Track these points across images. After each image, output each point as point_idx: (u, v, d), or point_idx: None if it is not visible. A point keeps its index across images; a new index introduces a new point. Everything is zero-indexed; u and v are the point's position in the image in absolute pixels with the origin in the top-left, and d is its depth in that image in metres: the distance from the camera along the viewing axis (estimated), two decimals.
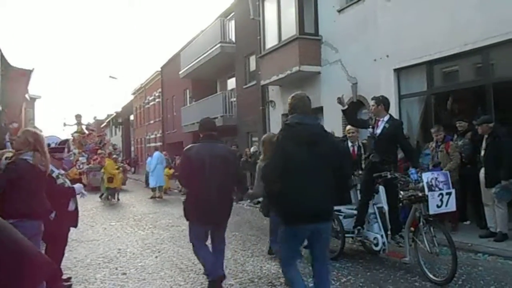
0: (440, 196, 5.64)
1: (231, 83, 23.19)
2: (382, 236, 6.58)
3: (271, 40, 15.87)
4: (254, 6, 17.39)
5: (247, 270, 6.56)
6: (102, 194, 18.24)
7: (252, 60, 19.65)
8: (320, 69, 14.12)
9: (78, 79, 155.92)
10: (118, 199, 17.73)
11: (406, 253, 6.16)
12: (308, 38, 14.12)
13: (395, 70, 11.18)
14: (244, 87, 20.41)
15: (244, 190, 5.98)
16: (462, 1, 9.35)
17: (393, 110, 10.64)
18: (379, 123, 6.73)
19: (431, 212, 5.64)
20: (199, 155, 5.34)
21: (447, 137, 8.76)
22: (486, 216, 7.96)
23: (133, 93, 44.85)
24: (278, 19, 15.32)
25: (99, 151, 24.11)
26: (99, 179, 19.87)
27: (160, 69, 34.88)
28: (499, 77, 9.04)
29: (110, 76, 41.12)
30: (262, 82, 16.73)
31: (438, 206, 5.62)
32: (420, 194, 5.80)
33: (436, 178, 5.76)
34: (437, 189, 5.68)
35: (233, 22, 21.82)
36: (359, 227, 6.90)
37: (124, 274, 6.66)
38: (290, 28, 14.45)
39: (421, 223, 5.86)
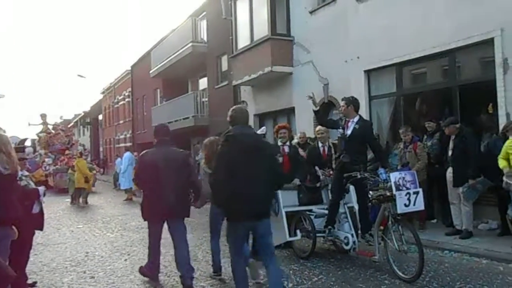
0: (408, 196, 5.75)
1: (203, 83, 23.10)
2: (352, 235, 6.64)
3: (243, 40, 15.86)
4: (226, 6, 17.36)
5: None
6: (74, 199, 17.10)
7: (224, 60, 19.61)
8: (292, 70, 14.19)
9: (44, 78, 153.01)
10: (87, 202, 17.05)
11: (375, 251, 6.24)
12: (280, 39, 14.18)
13: (365, 71, 11.33)
14: (216, 87, 20.35)
15: (198, 197, 6.23)
16: (430, 6, 9.56)
17: (363, 111, 10.80)
18: (349, 123, 6.78)
19: (399, 211, 5.75)
20: (153, 160, 5.83)
21: (415, 137, 8.93)
22: (452, 214, 8.16)
23: (102, 92, 44.19)
24: (250, 19, 15.33)
25: (67, 152, 23.53)
26: (66, 181, 19.06)
27: (130, 68, 34.47)
28: (465, 79, 9.27)
29: (78, 75, 40.27)
30: (234, 82, 16.72)
31: (406, 205, 5.73)
32: (388, 194, 5.90)
33: (404, 178, 5.86)
34: (404, 188, 5.78)
35: (204, 21, 21.73)
36: (330, 227, 6.95)
37: (92, 277, 6.54)
38: (262, 29, 14.48)
39: (390, 222, 5.95)
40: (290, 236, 7.18)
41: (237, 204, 4.51)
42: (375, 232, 6.32)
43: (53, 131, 26.30)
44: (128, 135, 34.96)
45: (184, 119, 21.94)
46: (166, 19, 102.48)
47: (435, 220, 9.02)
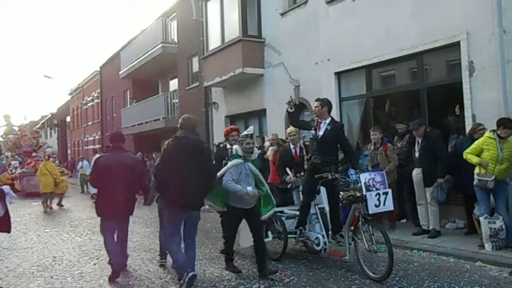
0: (378, 196, 5.86)
1: (173, 84, 22.95)
2: (323, 236, 6.71)
3: (214, 42, 15.83)
4: (197, 7, 17.30)
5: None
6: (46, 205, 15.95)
7: (195, 61, 19.51)
8: (263, 72, 14.23)
9: (8, 78, 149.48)
10: (62, 205, 16.60)
11: (346, 252, 6.30)
12: (252, 41, 14.21)
13: (335, 73, 11.44)
14: (187, 88, 20.25)
15: (146, 198, 6.91)
16: (397, 10, 9.73)
17: (334, 113, 10.87)
18: (321, 125, 6.84)
19: (370, 211, 5.85)
20: (106, 163, 6.57)
21: (385, 139, 9.04)
22: (419, 214, 8.31)
23: (70, 94, 43.43)
24: (221, 20, 15.31)
25: (34, 154, 22.86)
26: (34, 185, 18.57)
27: (99, 69, 34.00)
28: (433, 82, 9.46)
29: (45, 75, 39.55)
30: (205, 84, 16.67)
31: (376, 206, 5.85)
32: (358, 194, 5.97)
33: (374, 179, 5.98)
34: (374, 189, 5.90)
35: (175, 22, 21.59)
36: (301, 228, 6.97)
37: (60, 283, 6.41)
38: (234, 30, 14.49)
39: (360, 222, 5.99)
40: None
41: (176, 194, 5.52)
42: (345, 233, 6.37)
43: (19, 133, 25.56)
44: (97, 137, 34.46)
45: (154, 120, 21.77)
46: (135, 20, 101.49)
47: (405, 220, 9.17)
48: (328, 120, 6.87)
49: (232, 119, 16.54)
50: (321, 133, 6.81)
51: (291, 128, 8.10)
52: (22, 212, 15.12)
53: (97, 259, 7.82)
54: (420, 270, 6.27)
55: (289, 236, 7.12)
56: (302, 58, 12.45)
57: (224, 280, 6.07)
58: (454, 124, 9.25)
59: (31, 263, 7.67)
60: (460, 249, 6.98)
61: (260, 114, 14.70)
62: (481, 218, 6.98)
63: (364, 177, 5.96)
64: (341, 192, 6.37)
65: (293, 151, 8.15)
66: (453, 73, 9.05)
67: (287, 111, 7.18)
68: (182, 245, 6.00)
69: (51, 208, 15.65)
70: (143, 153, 19.78)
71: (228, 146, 7.53)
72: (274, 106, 13.59)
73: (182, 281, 5.55)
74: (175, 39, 21.55)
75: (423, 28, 9.13)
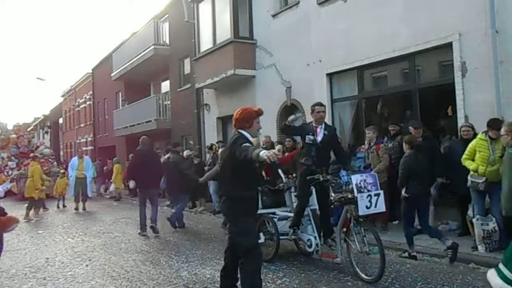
0: (369, 198, 5.82)
1: (165, 86, 22.89)
2: (315, 237, 6.70)
3: (206, 43, 15.80)
4: (188, 9, 17.27)
5: (182, 276, 6.46)
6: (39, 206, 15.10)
7: (187, 63, 19.47)
8: (255, 73, 14.20)
9: (0, 80, 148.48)
10: (65, 206, 16.60)
11: (338, 253, 6.29)
12: (243, 42, 14.18)
13: (327, 74, 11.44)
14: (179, 90, 20.19)
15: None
16: (389, 11, 9.73)
17: (326, 114, 10.87)
18: (318, 130, 6.87)
19: (360, 213, 5.81)
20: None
21: (379, 139, 9.04)
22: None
23: (63, 96, 43.27)
24: (213, 22, 15.28)
25: (31, 155, 22.21)
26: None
27: (91, 71, 33.88)
28: (425, 83, 9.46)
29: (38, 78, 39.28)
30: (197, 85, 16.62)
31: (367, 207, 5.81)
32: (350, 196, 5.94)
33: (365, 180, 5.93)
34: (365, 190, 5.85)
35: (167, 24, 21.55)
36: (295, 228, 6.94)
37: (53, 284, 6.38)
38: (225, 32, 14.45)
39: (352, 224, 5.97)
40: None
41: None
42: (337, 234, 6.34)
43: (14, 135, 25.00)
44: (89, 139, 34.32)
45: (146, 122, 21.69)
46: (128, 22, 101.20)
47: (397, 222, 9.15)
48: (323, 125, 6.92)
49: (223, 120, 16.50)
50: (319, 138, 6.82)
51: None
52: (15, 213, 14.84)
53: (89, 260, 7.79)
54: (413, 272, 6.24)
55: (281, 237, 7.10)
56: (294, 59, 12.44)
57: (216, 282, 6.02)
58: (446, 125, 9.27)
59: (23, 265, 7.64)
60: None
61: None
62: (474, 220, 6.98)
63: (355, 178, 5.92)
64: (332, 194, 6.29)
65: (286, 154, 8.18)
66: (445, 74, 9.06)
67: (284, 124, 7.04)
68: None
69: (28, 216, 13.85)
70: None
71: (250, 137, 5.05)
72: (266, 107, 13.49)
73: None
74: (167, 41, 21.51)
75: (415, 29, 9.13)
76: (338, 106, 11.50)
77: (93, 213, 15.05)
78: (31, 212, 14.07)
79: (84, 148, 34.66)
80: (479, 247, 6.86)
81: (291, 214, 7.27)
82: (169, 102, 21.26)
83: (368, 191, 5.86)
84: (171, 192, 11.81)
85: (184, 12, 17.58)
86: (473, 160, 6.98)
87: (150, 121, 21.33)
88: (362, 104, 10.90)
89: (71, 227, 11.90)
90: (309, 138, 6.86)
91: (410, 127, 8.26)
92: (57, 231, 11.22)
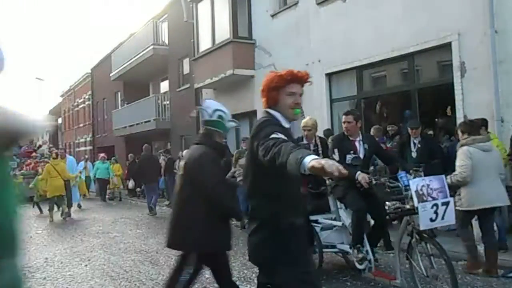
0: (435, 208, 4.56)
1: (164, 86, 22.92)
2: (367, 252, 5.47)
3: (205, 43, 15.79)
4: (187, 9, 17.25)
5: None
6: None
7: (186, 63, 19.48)
8: (254, 73, 14.20)
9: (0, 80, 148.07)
10: (79, 206, 16.00)
11: (397, 274, 5.15)
12: (242, 42, 14.18)
13: (326, 74, 11.44)
14: (178, 90, 20.20)
15: None
16: (388, 11, 9.74)
17: (325, 114, 10.92)
18: (356, 143, 5.70)
19: (422, 227, 4.59)
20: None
21: (380, 139, 9.04)
22: None
23: (62, 96, 43.26)
24: (212, 22, 15.27)
25: (33, 155, 21.51)
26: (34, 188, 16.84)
27: (90, 71, 33.86)
28: (424, 83, 9.47)
29: (37, 78, 39.32)
30: (196, 85, 16.60)
31: (432, 220, 4.57)
32: (408, 206, 4.74)
33: (429, 186, 4.64)
34: (430, 198, 4.59)
35: (166, 24, 21.55)
36: (358, 245, 5.52)
37: (52, 284, 6.37)
38: (224, 32, 14.45)
39: (414, 239, 4.82)
40: None
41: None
42: (396, 251, 5.26)
43: None
44: (88, 139, 34.31)
45: (145, 122, 21.69)
46: (127, 22, 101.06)
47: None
48: (360, 137, 5.77)
49: None
50: (361, 155, 5.63)
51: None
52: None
53: (88, 260, 7.79)
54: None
55: (324, 250, 6.01)
56: (293, 59, 12.41)
57: (214, 282, 5.98)
58: (446, 125, 9.27)
59: (22, 264, 7.58)
60: (452, 251, 6.92)
61: (251, 116, 14.66)
62: (472, 220, 6.98)
63: (415, 184, 4.61)
64: (387, 203, 4.99)
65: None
66: (444, 74, 9.06)
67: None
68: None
69: (65, 214, 13.41)
70: (135, 155, 19.66)
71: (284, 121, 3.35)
72: None
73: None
74: (166, 41, 21.53)
75: (414, 28, 9.13)
76: (337, 106, 11.50)
77: (92, 213, 15.04)
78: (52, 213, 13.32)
79: (83, 148, 34.76)
80: (478, 247, 6.85)
81: (337, 223, 6.14)
82: (168, 102, 21.28)
83: (433, 199, 4.56)
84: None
85: (183, 12, 17.57)
86: None
87: (149, 121, 21.34)
88: (361, 104, 10.90)
89: (69, 227, 11.91)
90: (349, 158, 5.57)
91: (408, 128, 8.29)
92: (56, 231, 11.22)
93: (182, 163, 4.25)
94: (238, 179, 9.36)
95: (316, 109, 11.03)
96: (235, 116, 15.58)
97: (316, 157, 2.34)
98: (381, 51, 9.82)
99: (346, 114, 5.81)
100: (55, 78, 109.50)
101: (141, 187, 18.66)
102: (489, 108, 7.79)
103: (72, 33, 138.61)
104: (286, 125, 3.12)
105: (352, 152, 5.58)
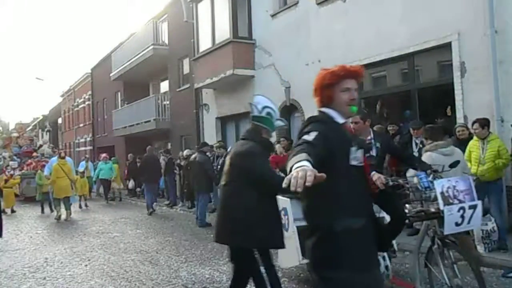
0: (461, 211, 4.18)
1: (164, 86, 22.89)
2: (383, 258, 5.16)
3: (205, 43, 15.79)
4: (187, 9, 17.25)
5: (181, 276, 6.46)
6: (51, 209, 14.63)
7: (186, 63, 19.45)
8: (254, 73, 14.20)
9: (0, 80, 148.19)
10: (87, 206, 16.21)
11: (416, 283, 4.79)
12: (242, 42, 14.18)
13: None
14: (178, 90, 20.18)
15: None
16: (388, 11, 9.75)
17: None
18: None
19: (447, 231, 4.22)
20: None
21: None
22: None
23: (62, 96, 43.24)
24: (212, 22, 15.27)
25: (34, 154, 21.52)
26: (34, 188, 17.21)
27: (90, 71, 33.84)
28: (424, 83, 9.47)
29: (37, 78, 39.32)
30: (196, 85, 16.61)
31: (457, 224, 4.19)
32: (433, 210, 4.34)
33: (455, 187, 4.29)
34: (456, 201, 4.22)
35: (166, 24, 21.53)
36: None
37: (52, 284, 6.38)
38: (224, 32, 14.45)
39: (436, 245, 4.44)
40: (304, 257, 5.42)
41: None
42: (415, 257, 4.90)
43: (16, 133, 24.58)
44: (88, 139, 34.29)
45: (145, 122, 21.67)
46: (127, 22, 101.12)
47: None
48: (372, 135, 5.54)
49: (222, 120, 16.52)
50: (374, 154, 5.39)
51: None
52: (14, 214, 14.99)
53: (88, 260, 7.80)
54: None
55: None
56: (293, 59, 12.43)
57: (215, 282, 6.03)
58: (446, 125, 9.26)
59: (22, 264, 7.65)
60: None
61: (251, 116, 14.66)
62: None
63: (441, 185, 4.26)
64: (407, 205, 4.60)
65: None
66: (444, 74, 9.07)
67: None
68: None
69: (59, 218, 13.09)
70: (135, 155, 19.68)
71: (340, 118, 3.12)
72: None
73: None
74: (166, 41, 21.50)
75: (414, 28, 9.13)
76: None
77: (92, 213, 15.03)
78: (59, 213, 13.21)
79: (83, 148, 34.74)
80: (478, 247, 6.84)
81: None
82: (168, 102, 21.24)
83: (460, 201, 4.22)
84: (196, 189, 11.81)
85: (183, 12, 17.57)
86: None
87: (149, 121, 21.31)
88: (361, 104, 10.88)
89: (69, 227, 11.91)
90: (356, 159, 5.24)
91: (410, 128, 8.28)
92: (56, 231, 11.23)
93: (227, 158, 4.36)
94: None
95: (316, 109, 11.00)
96: (235, 116, 15.65)
97: (290, 175, 2.11)
98: (381, 51, 9.82)
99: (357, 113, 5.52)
100: (55, 78, 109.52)
101: (141, 187, 18.75)
102: (489, 108, 7.79)
103: (72, 33, 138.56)
104: (340, 121, 2.94)
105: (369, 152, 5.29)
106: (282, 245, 4.23)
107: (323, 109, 3.01)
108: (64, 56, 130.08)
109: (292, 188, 2.03)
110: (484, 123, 6.87)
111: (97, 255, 8.19)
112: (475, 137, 7.01)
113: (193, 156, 12.19)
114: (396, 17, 9.53)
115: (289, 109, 12.69)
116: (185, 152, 14.40)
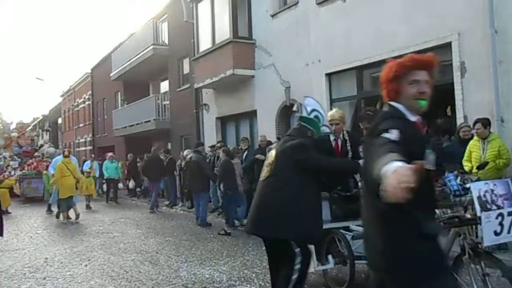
0: (500, 218, 3.74)
1: (164, 86, 22.89)
2: None
3: (205, 43, 15.79)
4: (187, 9, 17.26)
5: (181, 276, 6.46)
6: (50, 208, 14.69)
7: (186, 63, 19.46)
8: (254, 73, 14.20)
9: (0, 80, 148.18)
10: (90, 207, 15.79)
11: None
12: (242, 42, 14.18)
13: (326, 74, 11.43)
14: (178, 90, 20.19)
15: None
16: (388, 11, 9.71)
17: (325, 114, 10.85)
18: (338, 141, 5.69)
19: (486, 243, 3.78)
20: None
21: None
22: None
23: (62, 96, 43.28)
24: (212, 22, 15.27)
25: (36, 154, 21.40)
26: (35, 188, 17.35)
27: (90, 71, 33.85)
28: None
29: (37, 78, 39.35)
30: (196, 85, 16.61)
31: (496, 233, 3.73)
32: (468, 216, 3.91)
33: (493, 191, 3.82)
34: (494, 207, 3.76)
35: (166, 24, 21.54)
36: None
37: (52, 284, 6.38)
38: (224, 32, 14.45)
39: (467, 256, 4.00)
40: (319, 263, 5.35)
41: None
42: None
43: (17, 134, 24.46)
44: (88, 139, 34.32)
45: (145, 122, 21.68)
46: (127, 22, 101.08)
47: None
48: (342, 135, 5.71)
49: (222, 120, 16.53)
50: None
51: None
52: (14, 214, 15.01)
53: (88, 260, 7.80)
54: None
55: (357, 261, 5.18)
56: (293, 59, 12.43)
57: (215, 282, 6.03)
58: (446, 125, 9.27)
59: (22, 264, 7.65)
60: (451, 250, 6.95)
61: (251, 116, 14.67)
62: None
63: (477, 188, 3.80)
64: (436, 210, 3.87)
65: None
66: (444, 74, 9.04)
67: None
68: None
69: (69, 217, 12.76)
70: (135, 155, 19.68)
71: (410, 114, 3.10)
72: (265, 107, 13.59)
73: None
74: (166, 41, 21.51)
75: (414, 28, 9.12)
76: (337, 106, 11.41)
77: (92, 213, 15.02)
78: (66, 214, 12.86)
79: (83, 148, 34.75)
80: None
81: None
82: (168, 102, 21.26)
83: (498, 207, 3.76)
84: (193, 189, 11.91)
85: (183, 12, 17.58)
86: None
87: (149, 121, 21.32)
88: (361, 104, 10.90)
89: (69, 227, 11.91)
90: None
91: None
92: (56, 231, 11.23)
93: (272, 152, 4.40)
94: None
95: None
96: (235, 116, 15.67)
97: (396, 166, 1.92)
98: (381, 51, 9.80)
99: (360, 121, 5.51)
100: (55, 78, 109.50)
101: (141, 187, 18.72)
102: (489, 108, 7.78)
103: (72, 33, 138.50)
104: (412, 118, 2.69)
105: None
106: (320, 241, 4.32)
107: (391, 103, 2.75)
108: (64, 56, 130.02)
109: (395, 200, 1.79)
110: (486, 123, 6.90)
111: (97, 255, 8.20)
112: (475, 137, 7.02)
113: (189, 156, 12.28)
114: (396, 17, 9.52)
115: (289, 109, 12.68)
116: (185, 153, 14.42)
